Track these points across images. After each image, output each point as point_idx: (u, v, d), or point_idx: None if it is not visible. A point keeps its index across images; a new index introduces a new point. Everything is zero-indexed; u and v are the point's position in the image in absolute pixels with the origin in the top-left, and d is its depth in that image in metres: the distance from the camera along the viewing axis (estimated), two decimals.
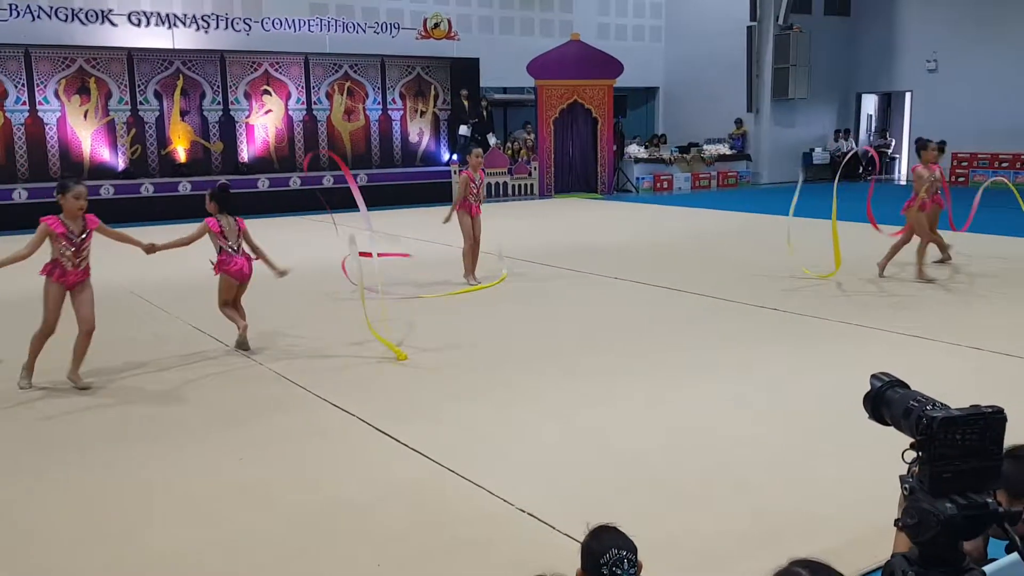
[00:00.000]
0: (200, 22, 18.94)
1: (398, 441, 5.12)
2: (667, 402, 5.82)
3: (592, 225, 16.04)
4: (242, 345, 7.24)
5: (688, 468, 4.68)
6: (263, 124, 19.74)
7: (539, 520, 4.06)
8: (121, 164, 18.33)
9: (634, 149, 23.22)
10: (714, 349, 7.12)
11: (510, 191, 21.39)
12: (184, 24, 18.83)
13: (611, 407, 5.73)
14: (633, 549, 2.46)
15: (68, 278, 6.10)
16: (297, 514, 4.23)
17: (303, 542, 3.96)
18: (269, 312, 8.63)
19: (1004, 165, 21.71)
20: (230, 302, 7.32)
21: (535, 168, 21.60)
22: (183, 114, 18.94)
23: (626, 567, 2.40)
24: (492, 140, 21.76)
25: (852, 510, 4.02)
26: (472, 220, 10.10)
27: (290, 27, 19.54)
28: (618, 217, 17.42)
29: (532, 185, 21.61)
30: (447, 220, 10.21)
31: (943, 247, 10.32)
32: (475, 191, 10.18)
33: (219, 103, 19.23)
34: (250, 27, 19.24)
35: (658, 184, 22.46)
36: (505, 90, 24.26)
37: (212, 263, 7.30)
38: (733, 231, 14.85)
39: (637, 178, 22.47)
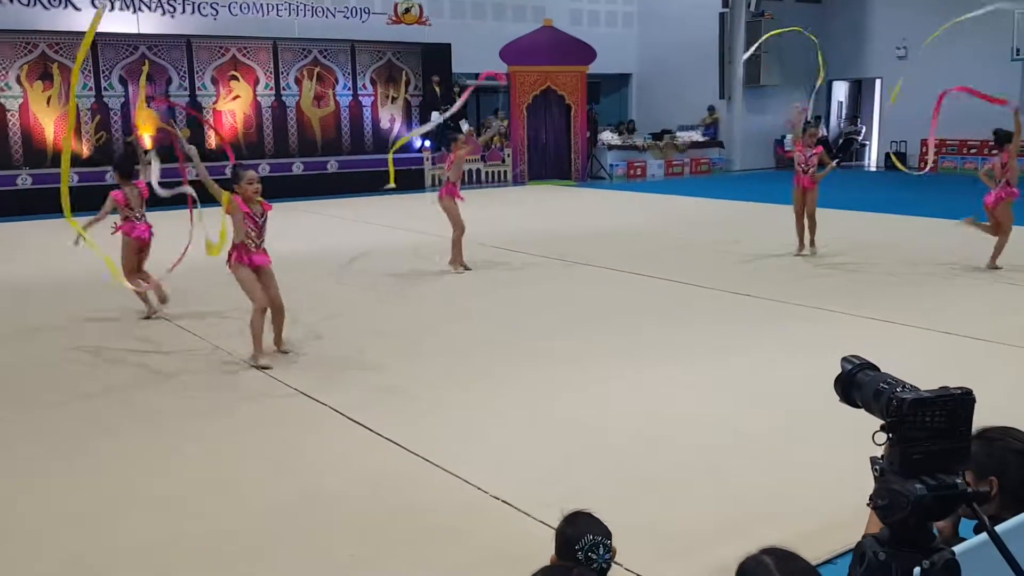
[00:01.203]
0: (166, 6, 18.67)
1: (371, 431, 5.09)
2: (641, 388, 5.83)
3: (565, 212, 16.03)
4: (163, 300, 7.97)
5: (663, 454, 4.70)
6: (231, 110, 19.51)
7: (514, 508, 4.06)
8: (85, 151, 18.05)
9: (607, 136, 23.21)
10: (688, 335, 7.14)
11: (483, 178, 21.32)
12: (149, 8, 18.55)
13: (585, 394, 5.73)
14: (608, 534, 2.46)
15: (253, 259, 6.45)
16: (269, 505, 4.19)
17: (276, 534, 3.93)
18: (237, 301, 8.54)
19: (972, 151, 21.96)
20: (135, 269, 7.82)
21: (508, 155, 21.54)
22: (148, 100, 18.67)
23: (601, 552, 2.40)
24: (465, 127, 21.65)
25: (826, 492, 4.05)
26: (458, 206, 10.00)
27: (258, 11, 19.31)
28: (591, 204, 17.43)
29: (505, 172, 21.56)
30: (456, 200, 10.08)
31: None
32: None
33: (186, 88, 18.97)
34: (217, 11, 18.99)
35: (631, 171, 22.49)
36: (477, 76, 24.13)
37: (114, 226, 7.83)
38: (706, 218, 14.91)
39: (610, 165, 22.48)
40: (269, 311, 6.54)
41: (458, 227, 10.01)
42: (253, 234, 6.46)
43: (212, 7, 19.02)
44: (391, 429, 5.06)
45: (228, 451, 4.91)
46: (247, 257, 6.40)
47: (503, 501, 4.12)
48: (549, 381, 5.99)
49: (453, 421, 5.28)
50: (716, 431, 5.00)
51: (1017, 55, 20.50)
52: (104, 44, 18.09)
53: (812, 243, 10.50)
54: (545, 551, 2.54)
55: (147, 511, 4.16)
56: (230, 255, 6.47)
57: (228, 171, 6.82)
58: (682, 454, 4.68)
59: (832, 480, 4.12)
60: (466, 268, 10.01)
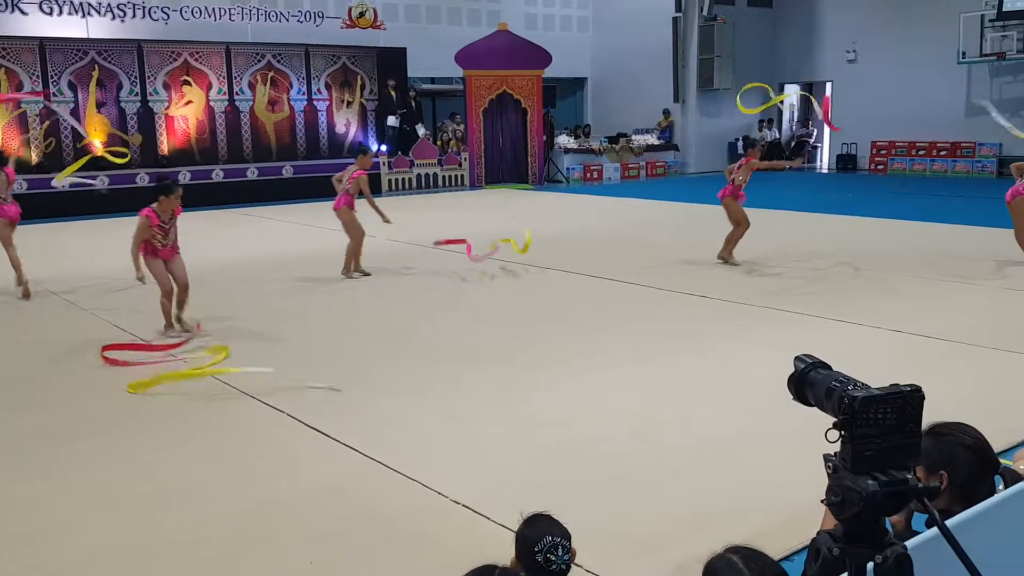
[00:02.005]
0: (116, 11, 18.37)
1: (329, 436, 5.04)
2: (599, 390, 5.85)
3: (522, 216, 16.05)
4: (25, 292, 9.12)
5: (623, 454, 4.72)
6: (183, 115, 19.27)
7: (474, 511, 4.05)
8: (34, 158, 17.70)
9: (563, 139, 23.31)
10: (645, 336, 7.19)
11: (440, 182, 21.28)
12: (99, 13, 18.25)
13: (544, 396, 5.74)
14: (567, 536, 2.46)
15: (159, 253, 7.63)
16: (226, 514, 4.14)
17: (233, 543, 3.88)
18: (194, 308, 8.44)
19: (921, 153, 22.41)
20: (9, 242, 9.08)
21: (465, 159, 21.53)
22: (99, 106, 18.37)
23: (560, 554, 2.40)
24: (421, 131, 21.62)
25: (783, 490, 4.09)
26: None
27: (210, 16, 19.08)
28: (548, 207, 17.48)
29: (462, 176, 21.54)
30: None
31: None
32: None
33: (137, 94, 18.69)
34: (168, 16, 18.73)
35: (588, 174, 22.60)
36: (433, 80, 24.12)
37: None
38: (662, 220, 15.03)
39: (567, 168, 22.57)
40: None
41: (356, 236, 9.86)
42: (159, 236, 7.58)
43: (163, 11, 18.76)
44: (349, 435, 5.03)
45: (184, 459, 4.83)
46: (155, 253, 7.62)
47: (464, 505, 4.11)
48: (508, 384, 5.99)
49: (412, 426, 5.25)
50: (673, 431, 5.04)
51: (963, 58, 20.95)
52: (53, 49, 17.77)
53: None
54: (507, 555, 2.54)
55: (101, 520, 4.09)
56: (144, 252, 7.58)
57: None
58: (641, 454, 4.71)
59: (789, 478, 4.17)
60: (365, 273, 9.89)
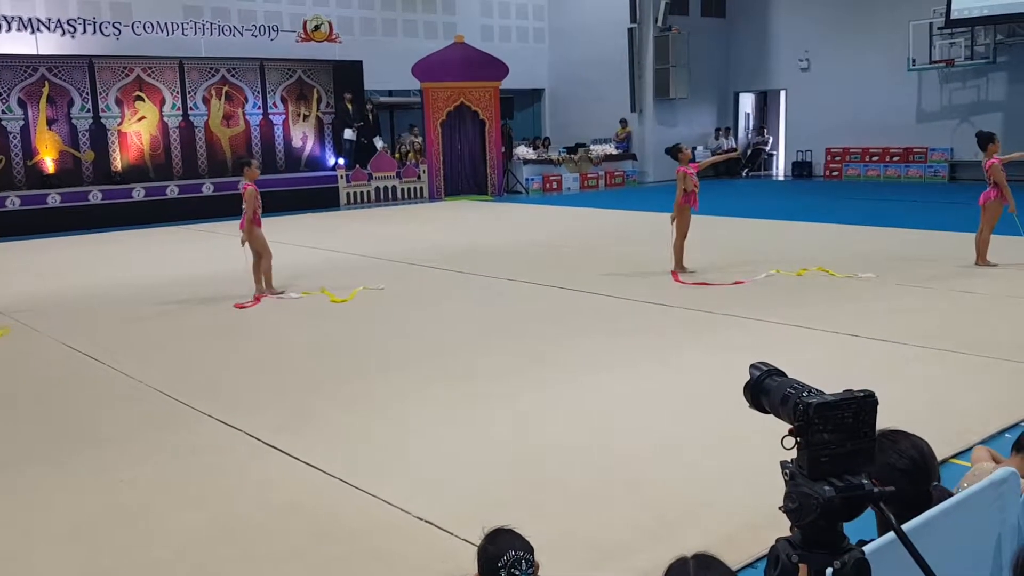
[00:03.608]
0: (66, 26, 18.08)
1: (287, 454, 4.97)
2: (559, 400, 5.84)
3: (482, 227, 16.06)
4: None
5: (583, 464, 4.71)
6: (136, 131, 19.02)
7: (436, 527, 4.01)
8: None
9: (523, 150, 23.37)
10: (604, 345, 7.20)
11: (399, 195, 21.22)
12: (48, 29, 17.94)
13: (502, 408, 5.72)
14: (530, 549, 2.44)
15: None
16: (184, 536, 4.06)
17: (191, 565, 3.80)
18: (140, 324, 8.31)
19: (875, 159, 22.78)
20: None
21: (424, 171, 21.49)
22: (50, 123, 18.07)
23: (524, 568, 2.38)
24: (379, 143, 21.55)
25: (744, 498, 4.11)
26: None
27: (162, 31, 18.85)
28: (508, 218, 17.50)
29: (422, 188, 21.49)
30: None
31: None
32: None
33: (89, 110, 18.42)
34: (120, 31, 18.48)
35: (547, 185, 22.66)
36: (391, 93, 24.06)
37: None
38: (621, 229, 15.10)
39: (527, 179, 22.62)
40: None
41: (267, 255, 9.64)
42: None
43: (115, 27, 18.50)
44: (308, 452, 4.96)
45: (136, 480, 4.73)
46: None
47: (426, 521, 4.07)
48: (467, 397, 5.95)
49: (372, 442, 5.20)
50: (634, 439, 5.04)
51: (913, 65, 21.36)
52: (1, 66, 17.45)
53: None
54: (470, 569, 2.51)
55: (53, 547, 3.98)
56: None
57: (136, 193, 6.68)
58: (602, 463, 4.70)
59: (749, 484, 4.18)
60: (277, 293, 9.62)
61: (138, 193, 18.13)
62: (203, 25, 19.40)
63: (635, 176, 24.28)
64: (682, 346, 7.08)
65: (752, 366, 1.65)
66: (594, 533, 3.91)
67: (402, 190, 21.25)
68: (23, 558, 3.90)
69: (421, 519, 4.09)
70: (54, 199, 17.12)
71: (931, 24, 20.81)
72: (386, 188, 21.02)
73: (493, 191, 21.99)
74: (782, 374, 1.62)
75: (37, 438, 5.48)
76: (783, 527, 1.92)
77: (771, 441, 1.76)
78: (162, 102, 19.22)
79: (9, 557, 3.91)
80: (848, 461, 1.48)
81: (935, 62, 21.04)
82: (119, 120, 18.77)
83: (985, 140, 9.89)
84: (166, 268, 12.00)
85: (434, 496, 4.35)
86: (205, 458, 5.03)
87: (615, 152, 24.28)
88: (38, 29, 17.86)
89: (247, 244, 9.56)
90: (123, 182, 18.30)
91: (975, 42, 20.56)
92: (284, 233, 13.95)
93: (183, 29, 19.11)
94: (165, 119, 19.29)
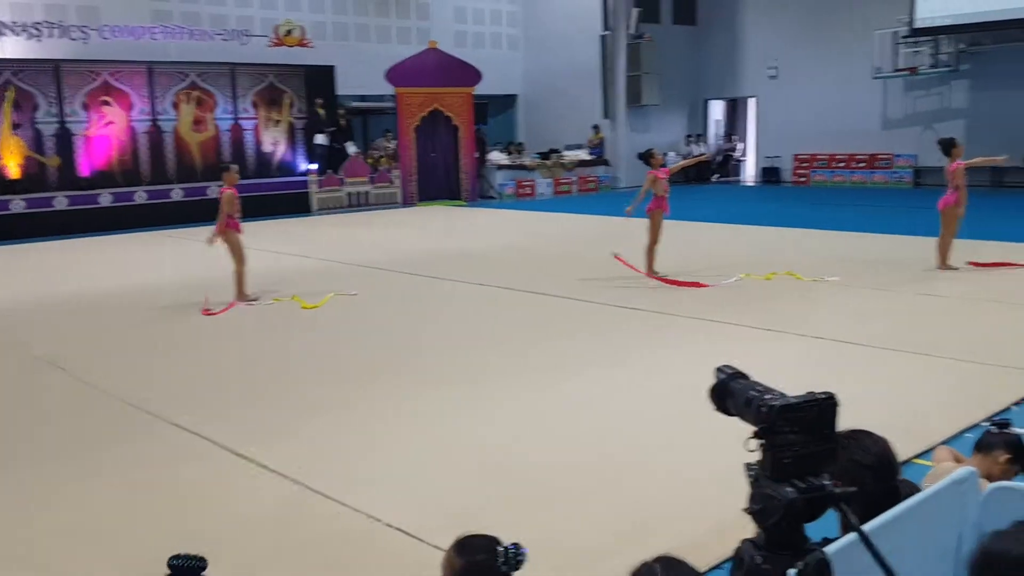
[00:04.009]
0: (31, 30, 17.87)
1: (255, 463, 4.93)
2: (530, 404, 5.85)
3: (455, 232, 16.05)
4: None
5: (554, 468, 4.71)
6: (104, 136, 18.81)
7: (407, 534, 4.00)
8: None
9: (496, 156, 23.38)
10: (575, 350, 7.22)
11: (372, 200, 21.15)
12: (14, 32, 17.72)
13: (473, 414, 5.71)
14: (497, 539, 2.42)
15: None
16: (150, 550, 4.01)
17: None
18: (107, 332, 8.23)
19: (841, 165, 23.04)
20: None
21: (397, 177, 21.44)
22: (15, 127, 17.83)
23: (520, 550, 2.34)
24: (351, 149, 21.47)
25: (713, 500, 4.13)
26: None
27: (130, 35, 18.67)
28: (482, 224, 17.50)
29: (395, 194, 21.44)
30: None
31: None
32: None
33: (55, 115, 18.19)
34: (87, 35, 18.29)
35: (521, 190, 22.70)
36: (363, 98, 23.99)
37: None
38: (593, 234, 15.15)
39: (500, 184, 22.64)
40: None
41: (240, 260, 9.59)
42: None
43: (82, 31, 18.30)
44: (276, 460, 4.92)
45: (96, 491, 4.66)
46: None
47: (396, 528, 4.06)
48: (437, 403, 5.94)
49: (340, 448, 5.17)
50: (602, 444, 5.05)
51: (878, 73, 21.65)
52: None
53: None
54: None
55: (8, 565, 3.91)
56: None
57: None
58: (571, 469, 4.71)
59: (718, 487, 4.21)
60: (250, 300, 9.53)
61: (105, 199, 17.92)
62: (172, 29, 19.24)
63: (608, 181, 24.38)
64: (652, 350, 7.12)
65: (717, 369, 1.68)
66: (564, 538, 3.92)
67: (375, 195, 21.19)
68: None
69: (391, 527, 4.08)
70: (19, 205, 16.89)
71: (895, 33, 21.11)
72: (359, 194, 20.95)
73: (466, 196, 21.98)
74: (746, 377, 1.64)
75: (5, 451, 5.40)
76: (750, 529, 1.95)
77: (738, 444, 1.78)
78: (130, 107, 19.01)
79: None
80: (811, 462, 1.51)
81: (899, 70, 21.35)
82: (86, 125, 18.55)
83: (949, 145, 10.06)
84: (134, 275, 11.88)
85: (405, 504, 4.34)
86: (168, 467, 4.97)
87: (588, 158, 24.37)
88: (3, 32, 17.63)
89: (217, 243, 9.49)
90: (90, 188, 18.08)
91: (938, 50, 20.89)
92: (255, 239, 13.83)
93: (152, 33, 18.94)
94: (133, 124, 19.09)
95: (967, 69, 20.75)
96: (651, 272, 10.22)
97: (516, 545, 2.35)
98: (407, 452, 5.08)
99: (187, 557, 2.24)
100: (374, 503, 4.32)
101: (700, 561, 3.22)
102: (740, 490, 2.26)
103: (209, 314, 9.05)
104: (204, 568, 2.23)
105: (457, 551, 2.38)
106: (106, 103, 18.70)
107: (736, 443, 1.85)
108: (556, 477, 4.61)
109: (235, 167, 10.07)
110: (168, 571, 2.20)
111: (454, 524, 3.67)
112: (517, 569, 2.34)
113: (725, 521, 3.76)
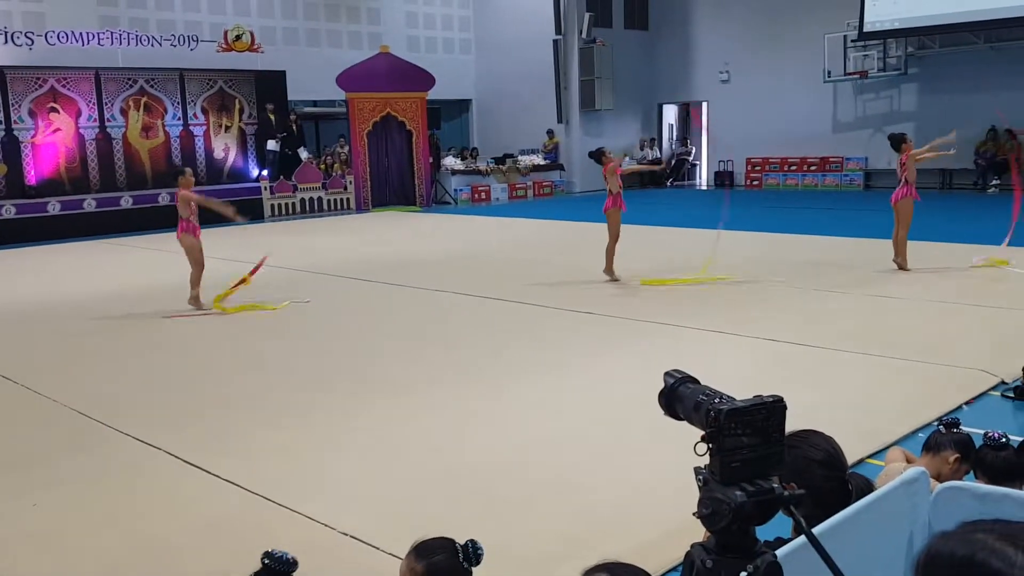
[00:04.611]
0: None
1: (209, 473, 4.85)
2: (484, 410, 5.83)
3: (410, 238, 15.98)
4: None
5: (508, 474, 4.70)
6: (51, 144, 18.44)
7: (362, 542, 3.96)
8: None
9: (450, 161, 23.34)
10: (530, 354, 7.22)
11: (325, 206, 20.98)
12: None
13: (428, 419, 5.68)
14: (450, 539, 2.44)
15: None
16: (103, 561, 3.92)
17: None
18: (55, 342, 8.05)
19: (793, 168, 23.36)
20: None
21: (350, 182, 21.29)
22: None
23: (478, 547, 2.39)
24: (304, 154, 21.28)
25: (665, 504, 4.14)
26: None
27: (77, 40, 18.30)
28: (437, 229, 17.44)
29: (348, 199, 21.29)
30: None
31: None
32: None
33: (1, 123, 17.78)
34: (33, 41, 17.89)
35: (476, 195, 22.68)
36: (315, 103, 23.80)
37: None
38: (549, 239, 15.19)
39: (455, 190, 22.60)
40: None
41: (199, 265, 9.59)
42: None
43: (27, 36, 17.89)
44: (230, 470, 4.85)
45: (49, 503, 4.55)
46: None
47: (352, 536, 4.01)
48: (389, 410, 5.90)
49: (295, 458, 5.11)
50: (556, 449, 5.05)
51: (828, 77, 21.99)
52: None
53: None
54: None
55: None
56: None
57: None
58: (524, 474, 4.70)
59: (670, 491, 4.22)
60: (200, 308, 9.47)
61: (53, 207, 17.57)
62: (120, 35, 18.90)
63: (563, 186, 24.46)
64: (606, 354, 7.14)
65: (666, 373, 1.66)
66: (519, 544, 3.90)
67: (328, 201, 21.02)
68: None
69: (346, 535, 4.03)
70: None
71: (845, 37, 21.47)
72: (312, 200, 20.78)
73: (421, 202, 21.91)
74: (696, 381, 1.63)
75: None
76: (701, 532, 1.94)
77: (688, 448, 1.77)
78: (78, 114, 18.66)
79: None
80: (759, 465, 1.50)
81: (849, 74, 21.71)
82: (32, 132, 18.17)
83: (899, 140, 10.26)
84: (83, 284, 11.64)
85: (359, 512, 4.30)
86: (122, 478, 4.88)
87: (543, 163, 24.43)
88: None
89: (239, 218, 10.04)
90: (37, 196, 17.71)
91: (887, 54, 21.29)
92: (207, 247, 13.65)
93: (99, 39, 18.59)
94: (81, 131, 18.73)
95: (916, 72, 21.17)
96: (610, 272, 10.26)
97: (473, 541, 2.38)
98: (359, 460, 5.04)
99: (282, 559, 2.32)
100: (327, 511, 4.27)
101: (652, 565, 3.22)
102: (691, 494, 2.26)
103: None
104: (295, 569, 2.32)
105: (416, 555, 2.39)
106: (53, 110, 18.34)
107: (686, 447, 1.84)
108: (508, 483, 4.60)
109: (188, 170, 10.20)
110: (261, 566, 2.27)
111: (408, 531, 3.63)
112: (477, 564, 2.38)
113: (676, 525, 3.76)
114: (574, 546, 3.81)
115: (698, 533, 2.12)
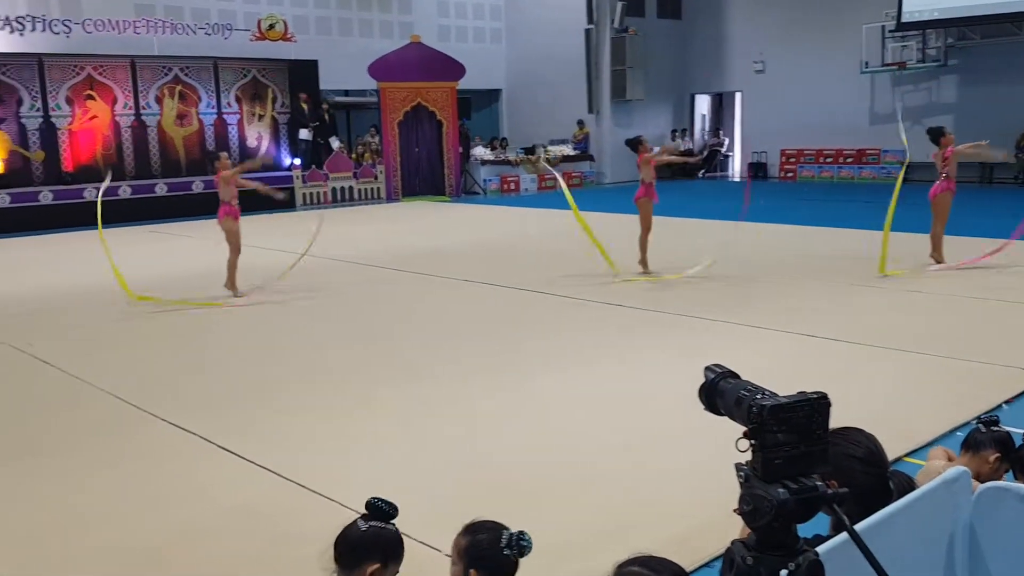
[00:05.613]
0: (14, 24, 17.67)
1: (241, 457, 4.90)
2: (519, 401, 5.83)
3: (439, 228, 16.00)
4: None
5: (537, 467, 4.69)
6: (88, 131, 18.65)
7: None
8: None
9: (480, 151, 23.32)
10: (561, 346, 7.20)
11: (356, 195, 21.06)
12: None
13: (462, 409, 5.69)
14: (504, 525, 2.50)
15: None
16: (136, 543, 3.97)
17: (142, 570, 3.72)
18: (92, 327, 8.15)
19: (828, 160, 23.09)
20: None
21: (381, 172, 21.35)
22: None
23: (527, 540, 2.44)
24: (335, 143, 21.37)
25: (700, 498, 4.12)
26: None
27: (113, 28, 18.49)
28: (465, 219, 17.45)
29: (378, 189, 21.36)
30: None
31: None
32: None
33: (38, 109, 18.03)
34: (70, 29, 18.10)
35: (505, 186, 22.65)
36: (347, 93, 23.88)
37: None
38: (578, 230, 15.09)
39: (484, 180, 22.59)
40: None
41: (236, 250, 9.66)
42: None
43: (65, 24, 18.11)
44: (263, 455, 4.89)
45: (87, 488, 4.63)
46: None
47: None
48: (423, 398, 5.92)
49: (326, 445, 5.14)
50: (588, 441, 5.03)
51: (866, 68, 21.69)
52: None
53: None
54: (427, 570, 2.49)
55: (2, 562, 3.88)
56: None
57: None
58: (554, 465, 4.69)
59: (703, 485, 4.20)
60: (237, 294, 9.57)
61: (89, 193, 17.76)
62: (155, 23, 19.08)
63: (593, 177, 24.36)
64: (637, 347, 7.10)
65: (707, 368, 1.64)
66: (548, 536, 3.88)
67: (359, 191, 21.10)
68: None
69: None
70: (3, 199, 16.74)
71: (883, 27, 21.16)
72: (343, 189, 20.86)
73: (450, 192, 21.93)
74: (736, 376, 1.61)
75: None
76: (736, 528, 1.92)
77: (724, 442, 1.75)
78: (114, 101, 18.88)
79: None
80: (802, 463, 1.48)
81: (887, 65, 21.40)
82: (70, 119, 18.40)
83: (938, 133, 10.09)
84: (119, 270, 11.76)
85: (390, 499, 4.30)
86: (157, 462, 4.95)
87: (573, 153, 24.34)
88: None
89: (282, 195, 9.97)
90: (74, 182, 17.94)
91: (926, 45, 20.95)
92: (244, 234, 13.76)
93: (135, 27, 18.78)
94: (117, 118, 18.95)
95: (955, 64, 20.82)
96: (644, 264, 10.20)
97: (522, 532, 2.44)
98: (391, 448, 5.06)
99: (388, 503, 2.49)
100: (358, 498, 4.23)
101: (684, 560, 3.19)
102: (725, 488, 2.24)
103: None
104: (395, 516, 2.48)
105: (464, 531, 2.50)
106: (90, 97, 18.55)
107: (723, 441, 1.82)
108: (538, 474, 4.59)
109: (224, 154, 10.42)
110: (366, 510, 2.46)
111: (436, 520, 3.65)
112: (521, 555, 2.43)
113: (709, 520, 3.74)
114: (605, 539, 3.79)
115: (732, 528, 2.11)
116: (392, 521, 2.45)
